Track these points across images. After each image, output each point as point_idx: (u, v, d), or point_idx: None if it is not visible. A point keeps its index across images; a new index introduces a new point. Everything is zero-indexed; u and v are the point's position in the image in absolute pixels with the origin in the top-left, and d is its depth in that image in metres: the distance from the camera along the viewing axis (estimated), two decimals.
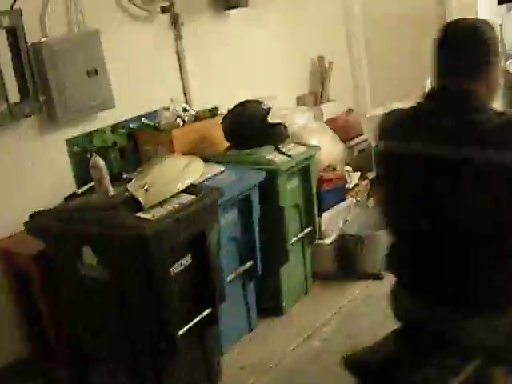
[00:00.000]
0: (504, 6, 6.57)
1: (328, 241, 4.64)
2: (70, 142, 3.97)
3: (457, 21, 2.29)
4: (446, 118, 2.12)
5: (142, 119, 4.30)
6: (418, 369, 2.13)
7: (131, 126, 4.28)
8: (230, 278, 3.84)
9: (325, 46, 6.00)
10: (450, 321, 2.17)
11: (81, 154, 3.96)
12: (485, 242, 2.07)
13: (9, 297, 3.70)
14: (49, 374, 3.68)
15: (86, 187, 3.73)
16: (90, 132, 4.06)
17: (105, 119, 4.13)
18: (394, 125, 2.32)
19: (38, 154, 3.82)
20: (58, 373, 3.63)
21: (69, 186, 3.89)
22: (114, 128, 4.19)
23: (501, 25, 6.42)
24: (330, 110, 5.76)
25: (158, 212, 3.10)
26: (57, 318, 3.48)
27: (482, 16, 5.91)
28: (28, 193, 3.75)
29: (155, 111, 4.32)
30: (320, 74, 5.94)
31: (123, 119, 4.23)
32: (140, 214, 3.06)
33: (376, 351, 2.30)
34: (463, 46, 2.17)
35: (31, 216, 3.33)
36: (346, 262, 4.74)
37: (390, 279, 4.29)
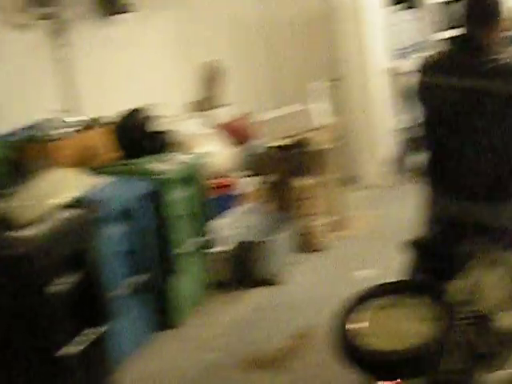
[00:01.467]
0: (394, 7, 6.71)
1: (222, 249, 4.57)
2: None
3: None
4: (470, 57, 2.83)
5: (22, 131, 4.09)
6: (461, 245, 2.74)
7: (11, 139, 4.07)
8: (122, 291, 3.71)
9: (220, 50, 5.96)
10: (475, 211, 2.83)
11: None
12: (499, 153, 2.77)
13: None
14: None
15: None
16: None
17: None
18: (434, 63, 3.01)
19: None
20: None
21: None
22: None
23: (391, 25, 6.55)
24: (223, 114, 5.72)
25: (33, 229, 2.96)
26: None
27: (370, 15, 6.05)
28: None
29: (36, 123, 4.13)
30: (212, 79, 5.88)
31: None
32: (13, 233, 2.92)
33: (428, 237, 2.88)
34: (480, 2, 2.89)
35: None
36: (241, 270, 4.68)
37: (287, 286, 4.30)
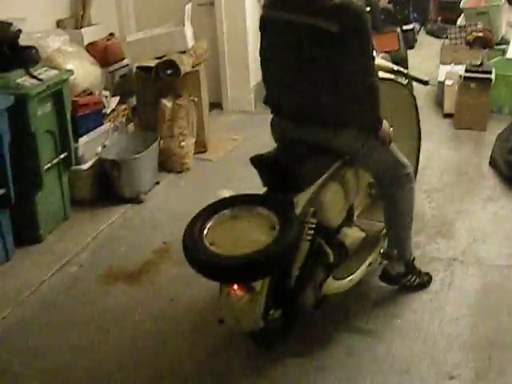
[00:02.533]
0: None
1: (85, 166, 4.59)
2: None
3: None
4: None
5: None
6: (300, 163, 2.96)
7: None
8: None
9: None
10: (312, 134, 3.09)
11: None
12: (325, 85, 2.95)
13: None
14: None
15: None
16: None
17: None
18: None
19: None
20: None
21: None
22: None
23: None
24: (91, 34, 5.62)
25: None
26: None
27: None
28: None
29: None
30: None
31: None
32: None
33: (269, 153, 3.04)
34: None
35: None
36: (105, 188, 4.74)
37: (149, 204, 4.40)
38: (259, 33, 3.20)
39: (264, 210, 2.84)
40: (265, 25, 3.15)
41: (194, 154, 5.31)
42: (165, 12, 6.12)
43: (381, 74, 3.70)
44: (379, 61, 3.71)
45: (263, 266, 2.62)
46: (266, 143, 3.24)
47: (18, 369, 3.12)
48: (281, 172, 2.95)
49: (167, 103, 5.07)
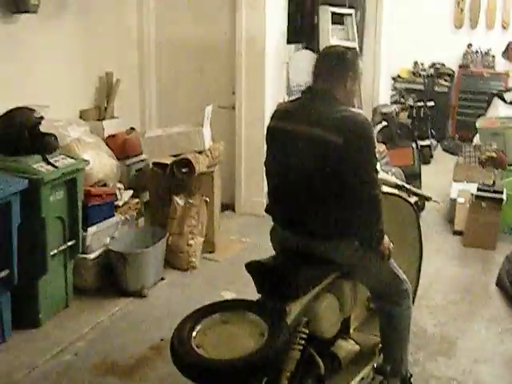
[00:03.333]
0: (292, 45, 6.98)
1: (92, 256, 4.63)
2: None
3: (332, 45, 3.37)
4: (310, 106, 3.06)
5: None
6: (296, 271, 2.97)
7: None
8: None
9: (115, 62, 6.05)
10: (311, 245, 3.09)
11: None
12: (327, 196, 2.99)
13: None
14: None
15: None
16: None
17: None
18: (283, 110, 3.24)
19: None
20: None
21: None
22: None
23: (287, 63, 6.83)
24: (112, 126, 5.79)
25: None
26: None
27: (269, 51, 6.28)
28: None
29: None
30: (106, 90, 5.96)
31: None
32: None
33: (267, 261, 3.05)
34: (329, 60, 3.13)
35: None
36: (109, 279, 4.75)
37: (151, 299, 4.38)
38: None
39: (255, 316, 2.84)
40: (272, 135, 3.22)
41: (202, 253, 5.33)
42: (187, 111, 6.29)
43: (385, 189, 3.75)
44: (383, 175, 3.77)
45: (249, 371, 2.59)
46: (269, 247, 3.26)
47: None
48: (275, 279, 2.95)
49: (179, 201, 5.13)
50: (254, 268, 3.04)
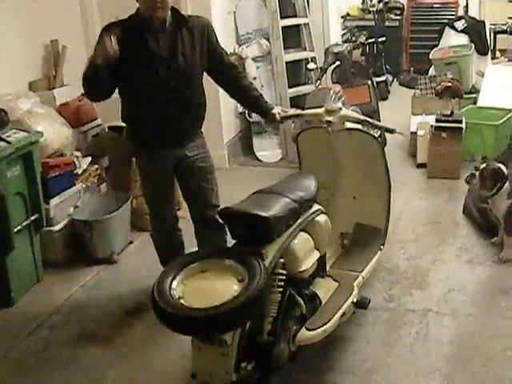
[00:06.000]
0: None
1: (57, 227, 4.56)
2: None
3: None
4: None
5: None
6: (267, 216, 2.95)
7: None
8: None
9: (59, 29, 5.87)
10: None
11: None
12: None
13: None
14: None
15: None
16: None
17: None
18: None
19: None
20: None
21: None
22: None
23: (234, 12, 6.73)
24: (63, 95, 5.64)
25: None
26: None
27: (214, 2, 6.16)
28: None
29: None
30: (53, 58, 5.80)
31: None
32: None
33: (238, 206, 3.06)
34: None
35: None
36: (77, 248, 4.70)
37: (123, 264, 4.32)
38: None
39: (232, 262, 2.84)
40: None
41: None
42: None
43: (348, 125, 3.76)
44: (345, 111, 3.76)
45: (231, 317, 2.61)
46: (239, 199, 3.24)
47: None
48: (248, 224, 2.96)
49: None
50: (226, 215, 3.06)
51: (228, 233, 3.17)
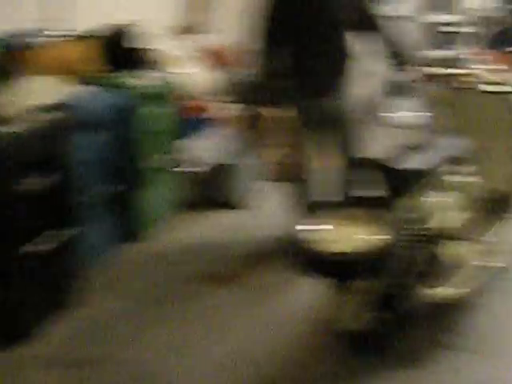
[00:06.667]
0: None
1: (192, 169, 4.65)
2: None
3: None
4: None
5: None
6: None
7: None
8: (90, 199, 3.78)
9: None
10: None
11: None
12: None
13: None
14: None
15: None
16: None
17: None
18: None
19: None
20: None
21: None
22: None
23: None
24: (209, 40, 5.68)
25: (9, 127, 3.03)
26: None
27: None
28: None
29: (15, 32, 4.09)
30: (202, 4, 5.84)
31: None
32: None
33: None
34: None
35: None
36: (209, 191, 4.79)
37: (251, 211, 4.29)
38: None
39: (379, 211, 2.87)
40: None
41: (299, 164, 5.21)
42: None
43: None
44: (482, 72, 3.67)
45: (374, 265, 2.71)
46: None
47: None
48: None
49: (275, 112, 5.02)
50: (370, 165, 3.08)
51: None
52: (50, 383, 2.82)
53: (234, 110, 5.24)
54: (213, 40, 5.64)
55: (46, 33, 4.11)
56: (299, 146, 4.58)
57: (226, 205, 4.74)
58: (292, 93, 3.61)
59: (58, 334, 3.19)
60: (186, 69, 4.67)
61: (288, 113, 4.83)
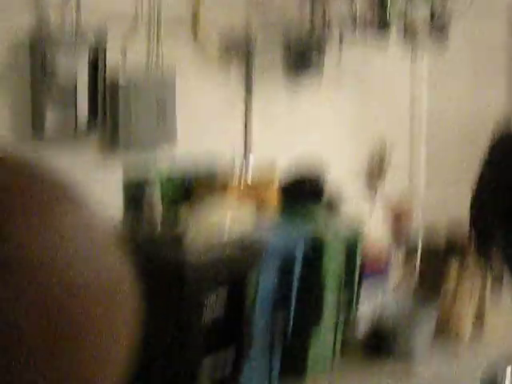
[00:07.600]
0: None
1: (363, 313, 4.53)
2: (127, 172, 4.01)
3: None
4: None
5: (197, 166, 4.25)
6: None
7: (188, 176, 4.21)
8: (260, 334, 3.75)
9: (385, 132, 5.94)
10: None
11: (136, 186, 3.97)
12: None
13: None
14: None
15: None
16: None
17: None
18: None
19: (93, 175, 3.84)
20: None
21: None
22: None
23: None
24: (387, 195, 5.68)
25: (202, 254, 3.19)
26: None
27: None
28: None
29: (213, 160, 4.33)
30: (379, 157, 5.87)
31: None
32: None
33: None
34: None
35: None
36: (376, 346, 4.59)
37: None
38: None
39: None
40: None
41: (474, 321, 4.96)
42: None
43: None
44: None
45: None
46: None
47: None
48: None
49: (457, 268, 4.86)
50: None
51: None
52: None
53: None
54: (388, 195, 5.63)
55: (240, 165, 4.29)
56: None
57: (393, 357, 4.52)
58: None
59: None
60: (369, 220, 4.65)
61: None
